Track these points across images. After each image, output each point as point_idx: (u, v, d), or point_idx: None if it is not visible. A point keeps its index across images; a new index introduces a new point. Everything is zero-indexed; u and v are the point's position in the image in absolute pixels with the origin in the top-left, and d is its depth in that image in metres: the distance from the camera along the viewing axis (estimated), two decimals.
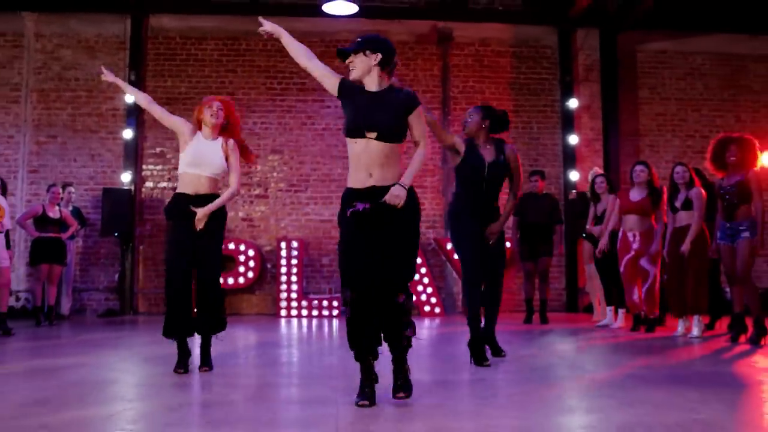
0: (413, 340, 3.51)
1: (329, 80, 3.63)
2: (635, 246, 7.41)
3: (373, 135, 3.40)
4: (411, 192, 3.49)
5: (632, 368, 4.93)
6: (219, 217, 4.80)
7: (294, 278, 10.01)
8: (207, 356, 4.75)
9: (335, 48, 11.36)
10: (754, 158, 6.36)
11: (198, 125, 4.89)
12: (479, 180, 5.05)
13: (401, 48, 11.15)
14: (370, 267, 3.40)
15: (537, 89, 11.34)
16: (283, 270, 10.03)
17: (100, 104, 10.84)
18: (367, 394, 3.39)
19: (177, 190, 4.84)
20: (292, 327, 8.88)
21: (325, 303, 9.98)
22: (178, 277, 4.64)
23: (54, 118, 10.79)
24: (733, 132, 10.51)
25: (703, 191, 6.92)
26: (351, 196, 3.48)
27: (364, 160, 3.43)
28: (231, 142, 4.90)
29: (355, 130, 3.45)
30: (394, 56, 3.58)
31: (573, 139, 11.06)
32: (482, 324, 5.06)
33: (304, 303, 9.98)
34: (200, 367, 4.69)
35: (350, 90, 3.58)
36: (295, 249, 10.09)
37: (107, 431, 3.03)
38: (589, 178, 8.89)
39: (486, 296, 5.11)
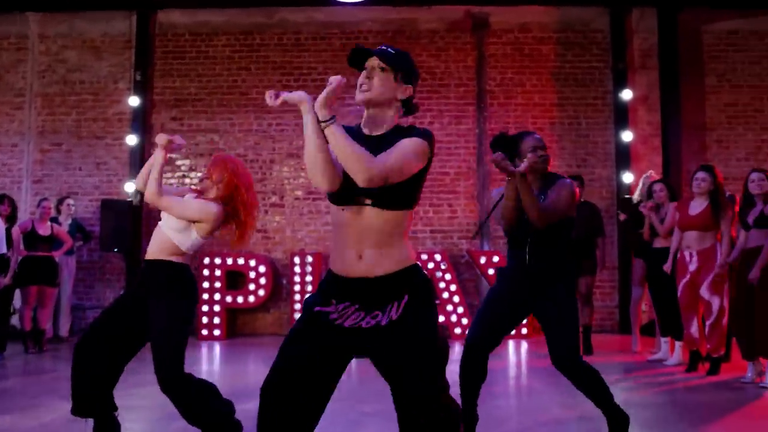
0: None
1: None
2: (692, 268, 6.12)
3: (369, 201, 2.33)
4: (414, 284, 2.39)
5: None
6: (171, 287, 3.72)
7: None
8: None
9: (357, 40, 10.36)
10: None
11: None
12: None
13: (431, 37, 10.04)
14: (310, 392, 2.37)
15: (585, 79, 9.99)
16: (297, 287, 9.06)
17: (105, 108, 10.10)
18: None
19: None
20: None
21: None
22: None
23: (59, 125, 10.11)
24: None
25: None
26: (330, 286, 2.41)
27: (353, 236, 2.35)
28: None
29: (341, 194, 2.34)
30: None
31: (627, 136, 9.68)
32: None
33: None
34: None
35: None
36: (310, 264, 9.10)
37: None
38: (641, 183, 7.59)
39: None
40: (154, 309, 3.62)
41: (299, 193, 9.87)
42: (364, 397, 5.14)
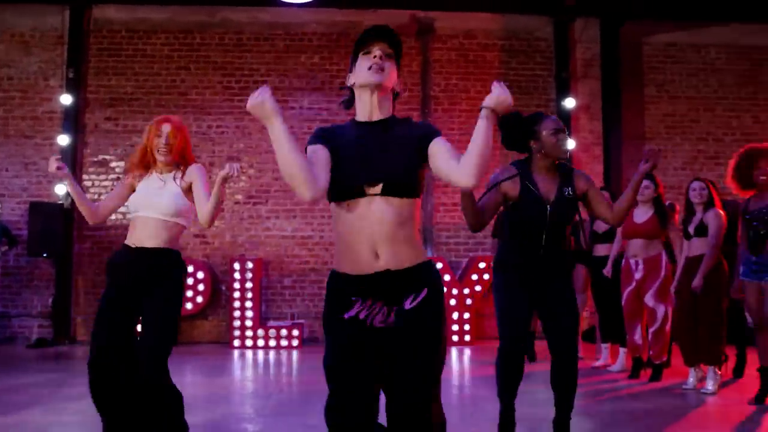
0: None
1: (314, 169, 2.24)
2: (638, 276, 6.15)
3: (377, 189, 2.21)
4: (433, 280, 2.31)
5: None
6: (168, 275, 3.50)
7: (249, 303, 8.76)
8: None
9: (301, 42, 10.11)
10: None
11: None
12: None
13: None
14: (369, 396, 2.25)
15: (529, 87, 10.04)
16: (237, 294, 8.79)
17: (35, 106, 9.62)
18: None
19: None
20: (243, 362, 7.68)
21: (284, 332, 8.74)
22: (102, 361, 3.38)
23: None
24: (749, 136, 9.29)
25: (722, 213, 5.66)
26: (345, 287, 2.27)
27: (366, 232, 2.22)
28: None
29: (351, 186, 2.23)
30: None
31: (570, 144, 9.74)
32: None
33: (260, 332, 8.74)
34: None
35: (330, 136, 2.33)
36: (250, 270, 8.84)
37: None
38: None
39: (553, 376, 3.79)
40: (155, 298, 3.40)
41: (239, 197, 9.60)
42: (308, 410, 4.96)
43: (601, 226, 6.95)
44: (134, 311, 3.44)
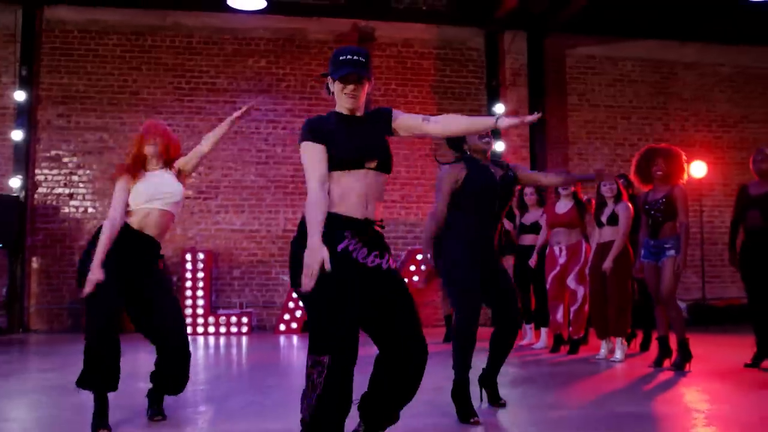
0: None
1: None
2: (561, 261, 6.98)
3: (373, 164, 2.93)
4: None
5: (539, 407, 4.41)
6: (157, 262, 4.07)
7: (200, 293, 9.26)
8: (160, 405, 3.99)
9: (248, 46, 10.56)
10: (681, 171, 5.94)
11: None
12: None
13: (319, 47, 10.55)
14: (355, 327, 2.84)
15: (462, 93, 10.85)
16: (189, 284, 9.27)
17: None
18: None
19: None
20: (195, 346, 8.15)
21: (234, 319, 9.27)
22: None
23: None
24: (661, 142, 10.28)
25: (630, 205, 6.50)
26: (339, 223, 2.87)
27: (363, 189, 2.93)
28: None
29: (355, 161, 2.91)
30: None
31: (499, 146, 10.59)
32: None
33: (211, 319, 9.25)
34: (153, 417, 3.93)
35: (324, 125, 2.94)
36: (202, 261, 9.33)
37: None
38: None
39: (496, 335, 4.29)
40: (158, 279, 3.95)
41: (190, 192, 10.03)
42: (265, 376, 5.53)
43: (527, 219, 7.74)
44: (124, 290, 3.81)
